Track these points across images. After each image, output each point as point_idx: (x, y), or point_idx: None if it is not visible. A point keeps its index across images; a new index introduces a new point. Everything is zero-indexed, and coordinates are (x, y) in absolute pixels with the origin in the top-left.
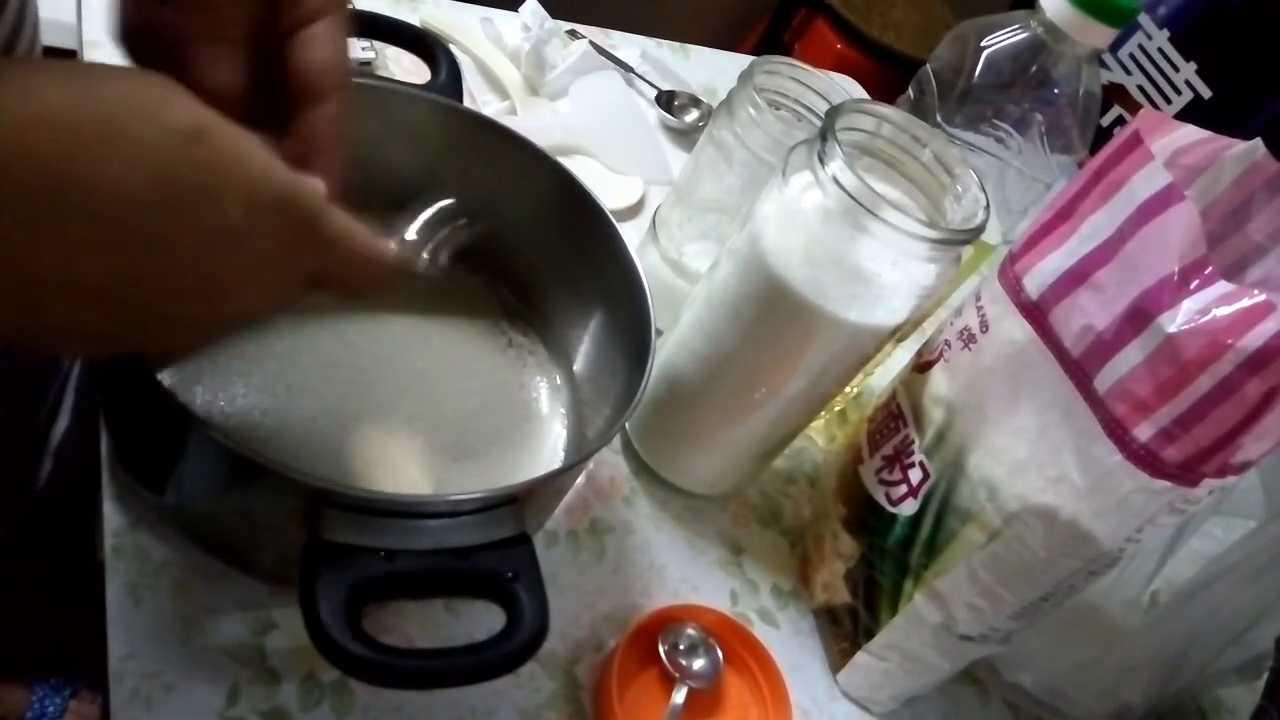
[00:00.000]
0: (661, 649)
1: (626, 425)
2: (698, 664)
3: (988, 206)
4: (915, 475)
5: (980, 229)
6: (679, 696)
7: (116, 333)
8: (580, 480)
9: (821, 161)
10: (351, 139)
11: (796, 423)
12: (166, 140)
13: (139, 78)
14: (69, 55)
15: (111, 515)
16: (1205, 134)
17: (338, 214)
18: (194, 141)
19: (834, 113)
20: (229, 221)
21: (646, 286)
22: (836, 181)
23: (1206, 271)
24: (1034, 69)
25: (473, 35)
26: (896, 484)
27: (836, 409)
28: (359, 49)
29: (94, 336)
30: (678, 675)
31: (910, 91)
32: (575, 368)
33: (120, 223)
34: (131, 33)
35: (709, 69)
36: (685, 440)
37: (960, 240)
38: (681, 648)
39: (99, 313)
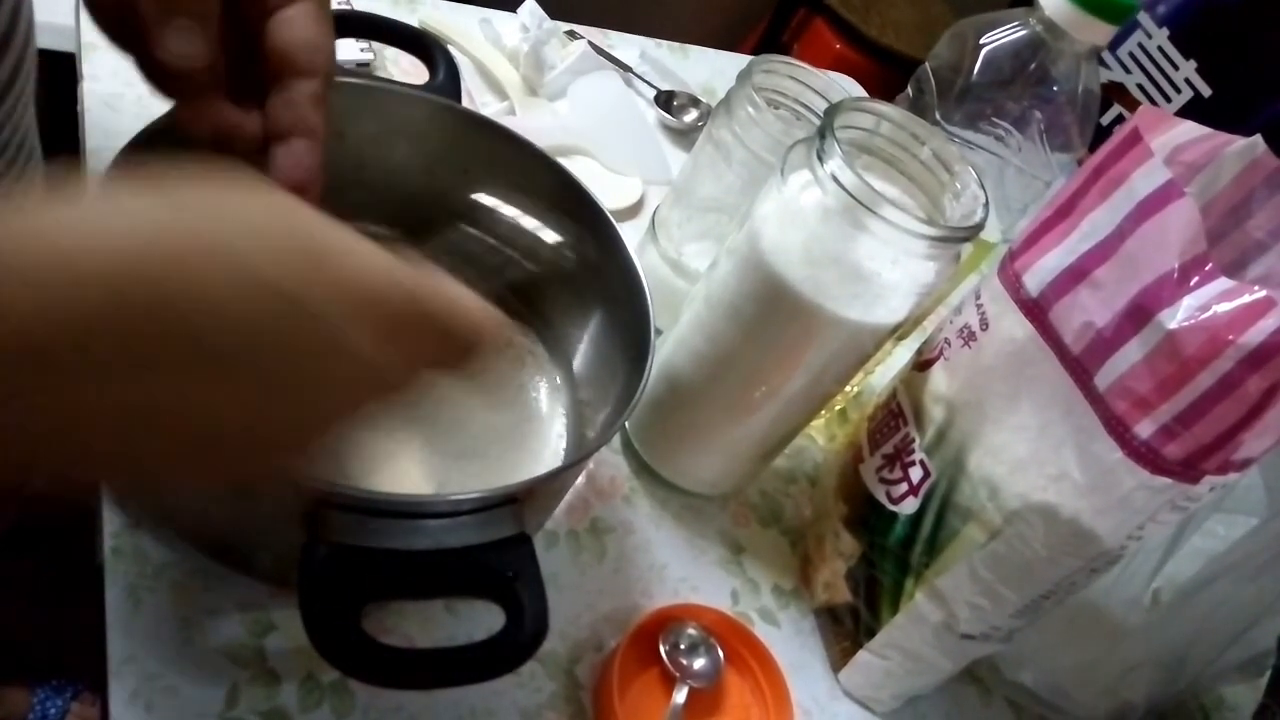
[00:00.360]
0: (662, 649)
1: (626, 425)
2: (699, 663)
3: (987, 204)
4: (916, 474)
5: (979, 226)
6: (680, 696)
7: (225, 470)
8: (580, 480)
9: (820, 160)
10: (349, 134)
11: (796, 422)
12: (291, 263)
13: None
14: (67, 58)
15: (111, 517)
16: (1205, 130)
17: (460, 298)
18: (318, 265)
19: (833, 111)
20: (351, 342)
21: (646, 286)
22: (835, 179)
23: (1207, 268)
24: (1033, 67)
25: (471, 36)
26: (897, 482)
27: (837, 408)
28: (358, 50)
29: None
30: (679, 675)
31: (909, 90)
32: (575, 368)
33: (233, 358)
34: (103, 6)
35: (708, 69)
36: (685, 440)
37: (959, 238)
38: (682, 647)
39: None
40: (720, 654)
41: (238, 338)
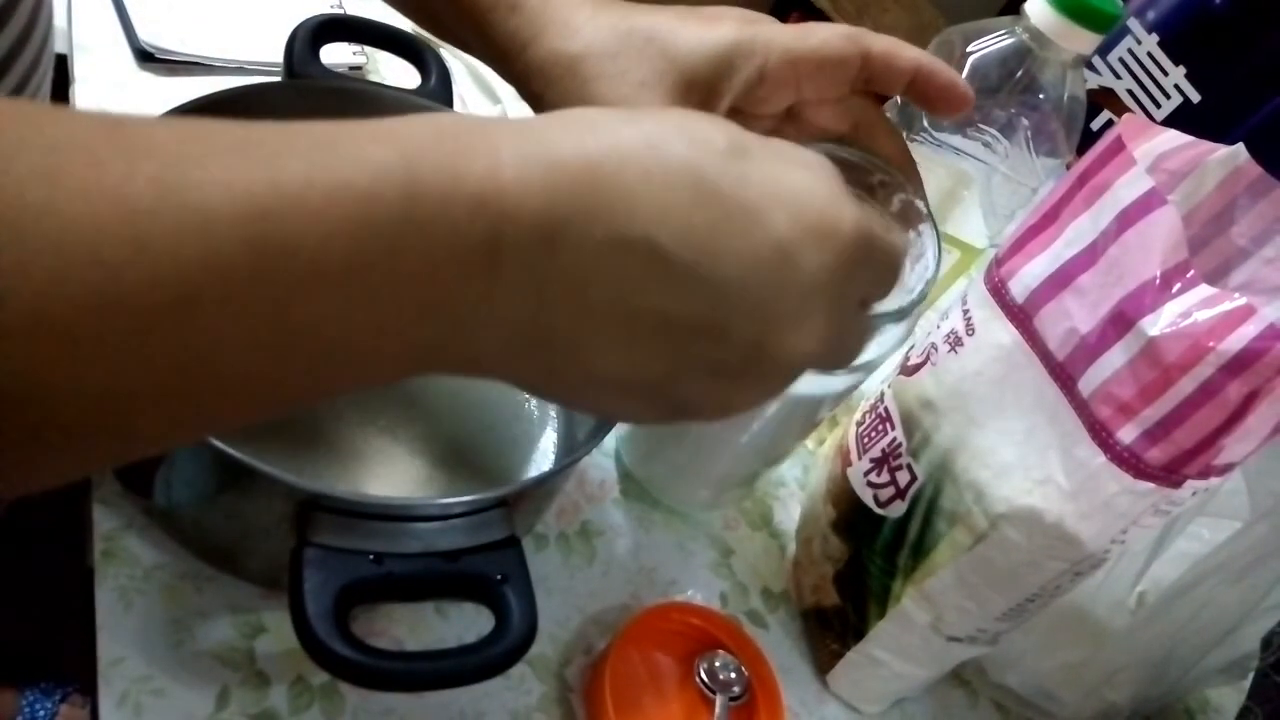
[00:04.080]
0: (700, 676)
1: (615, 432)
2: (735, 688)
3: (933, 278)
4: (903, 478)
5: (903, 312)
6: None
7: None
8: (570, 483)
9: None
10: None
11: (753, 468)
12: (707, 156)
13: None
14: (59, 59)
15: (101, 519)
16: (1188, 139)
17: (879, 223)
18: (734, 156)
19: None
20: (778, 235)
21: None
22: None
23: (1188, 275)
24: (1020, 74)
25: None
26: (884, 486)
27: None
28: (349, 54)
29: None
30: (716, 691)
31: (897, 98)
32: None
33: (667, 254)
34: None
35: None
36: (669, 459)
37: (877, 321)
38: (719, 664)
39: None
40: (745, 672)
41: (677, 232)
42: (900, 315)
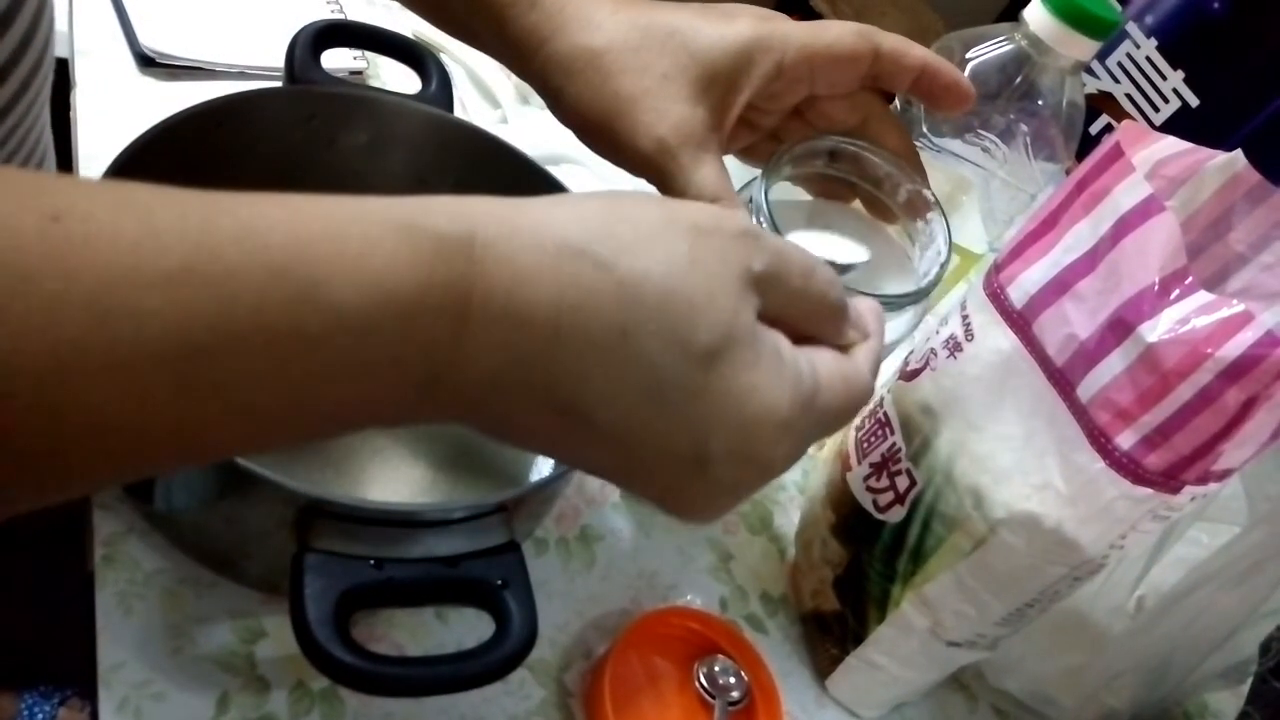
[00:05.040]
0: (699, 681)
1: None
2: (734, 692)
3: (945, 263)
4: (902, 482)
5: (917, 294)
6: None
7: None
8: (570, 488)
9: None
10: (340, 143)
11: None
12: (673, 363)
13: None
14: (60, 64)
15: (101, 524)
16: (1186, 145)
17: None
18: (702, 364)
19: (772, 170)
20: (703, 452)
21: None
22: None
23: (1186, 282)
24: (1019, 80)
25: (464, 45)
26: (884, 491)
27: None
28: (350, 59)
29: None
30: (715, 695)
31: (897, 101)
32: None
33: (595, 425)
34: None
35: None
36: None
37: (890, 305)
38: (718, 669)
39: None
40: (745, 677)
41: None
42: (914, 299)
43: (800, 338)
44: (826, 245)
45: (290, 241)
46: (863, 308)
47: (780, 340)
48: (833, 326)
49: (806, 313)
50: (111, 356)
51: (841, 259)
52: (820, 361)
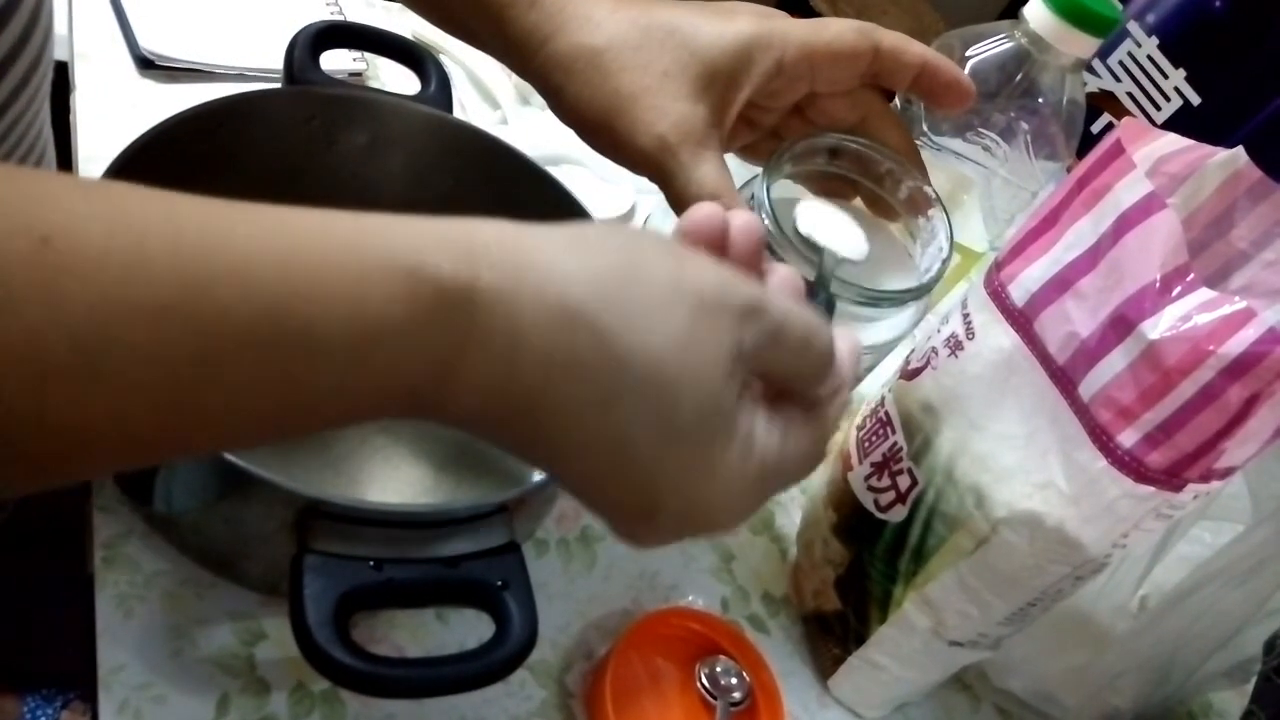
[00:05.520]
0: (701, 682)
1: None
2: (736, 693)
3: (946, 260)
4: (903, 482)
5: (919, 290)
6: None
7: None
8: None
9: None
10: (340, 143)
11: None
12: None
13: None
14: (59, 66)
15: (101, 526)
16: (1187, 142)
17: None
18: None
19: (773, 168)
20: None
21: None
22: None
23: (1188, 279)
24: (1019, 78)
25: (464, 46)
26: (885, 491)
27: None
28: (349, 60)
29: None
30: (717, 696)
31: (897, 100)
32: None
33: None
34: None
35: None
36: None
37: (893, 301)
38: (720, 670)
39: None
40: (746, 677)
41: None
42: (916, 295)
43: (777, 391)
44: (835, 228)
45: (282, 280)
46: (842, 352)
47: (756, 421)
48: (815, 386)
49: (793, 375)
50: (91, 383)
51: (843, 251)
52: (792, 431)
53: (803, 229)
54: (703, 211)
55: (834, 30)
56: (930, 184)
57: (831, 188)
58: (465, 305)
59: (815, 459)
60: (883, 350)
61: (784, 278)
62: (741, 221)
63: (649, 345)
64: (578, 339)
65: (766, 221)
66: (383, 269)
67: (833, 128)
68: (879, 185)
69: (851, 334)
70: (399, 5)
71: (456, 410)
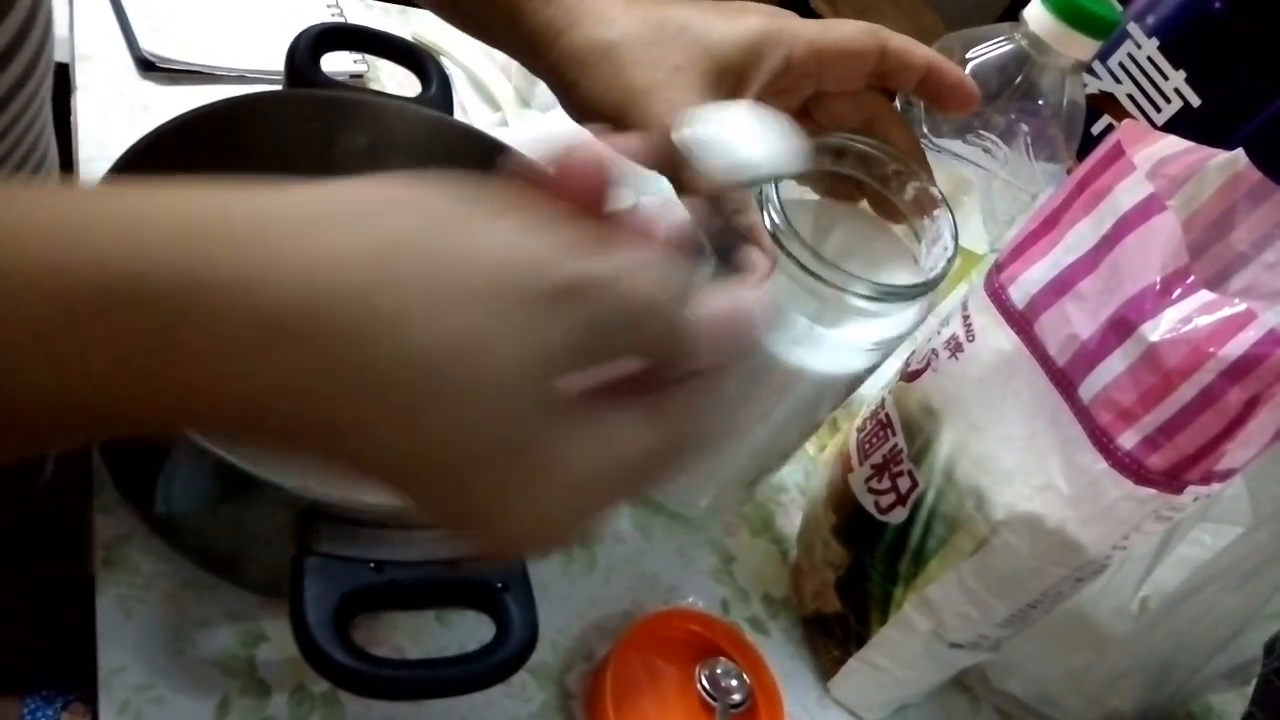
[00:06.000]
0: (701, 684)
1: None
2: (736, 695)
3: (953, 258)
4: (904, 484)
5: (925, 286)
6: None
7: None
8: None
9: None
10: (340, 145)
11: (767, 462)
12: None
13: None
14: (60, 68)
15: (102, 527)
16: (1187, 144)
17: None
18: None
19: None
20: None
21: None
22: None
23: (1188, 281)
24: (1019, 80)
25: (464, 47)
26: (885, 492)
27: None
28: (350, 62)
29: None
30: (717, 698)
31: (898, 102)
32: None
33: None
34: None
35: None
36: None
37: (900, 297)
38: (720, 671)
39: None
40: (747, 679)
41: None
42: (922, 291)
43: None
44: (744, 129)
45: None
46: (718, 319)
47: (589, 422)
48: (670, 368)
49: (641, 356)
50: None
51: (761, 159)
52: (639, 424)
53: (689, 137)
54: (539, 149)
55: (842, 30)
56: (935, 184)
57: (837, 189)
58: (165, 340)
59: (662, 455)
60: (888, 346)
61: (651, 224)
62: (583, 154)
63: (428, 346)
64: (336, 343)
65: (776, 221)
66: (92, 262)
67: (839, 128)
68: (884, 186)
69: (743, 293)
70: (399, 7)
71: (214, 419)
